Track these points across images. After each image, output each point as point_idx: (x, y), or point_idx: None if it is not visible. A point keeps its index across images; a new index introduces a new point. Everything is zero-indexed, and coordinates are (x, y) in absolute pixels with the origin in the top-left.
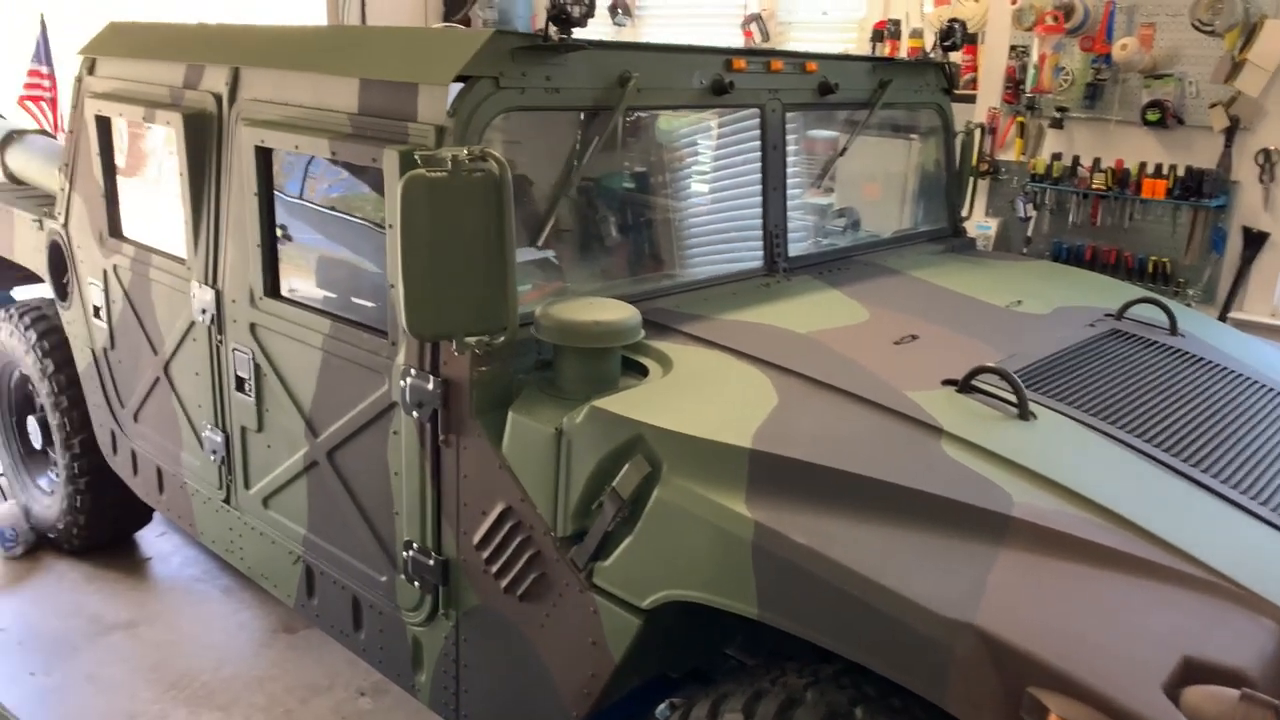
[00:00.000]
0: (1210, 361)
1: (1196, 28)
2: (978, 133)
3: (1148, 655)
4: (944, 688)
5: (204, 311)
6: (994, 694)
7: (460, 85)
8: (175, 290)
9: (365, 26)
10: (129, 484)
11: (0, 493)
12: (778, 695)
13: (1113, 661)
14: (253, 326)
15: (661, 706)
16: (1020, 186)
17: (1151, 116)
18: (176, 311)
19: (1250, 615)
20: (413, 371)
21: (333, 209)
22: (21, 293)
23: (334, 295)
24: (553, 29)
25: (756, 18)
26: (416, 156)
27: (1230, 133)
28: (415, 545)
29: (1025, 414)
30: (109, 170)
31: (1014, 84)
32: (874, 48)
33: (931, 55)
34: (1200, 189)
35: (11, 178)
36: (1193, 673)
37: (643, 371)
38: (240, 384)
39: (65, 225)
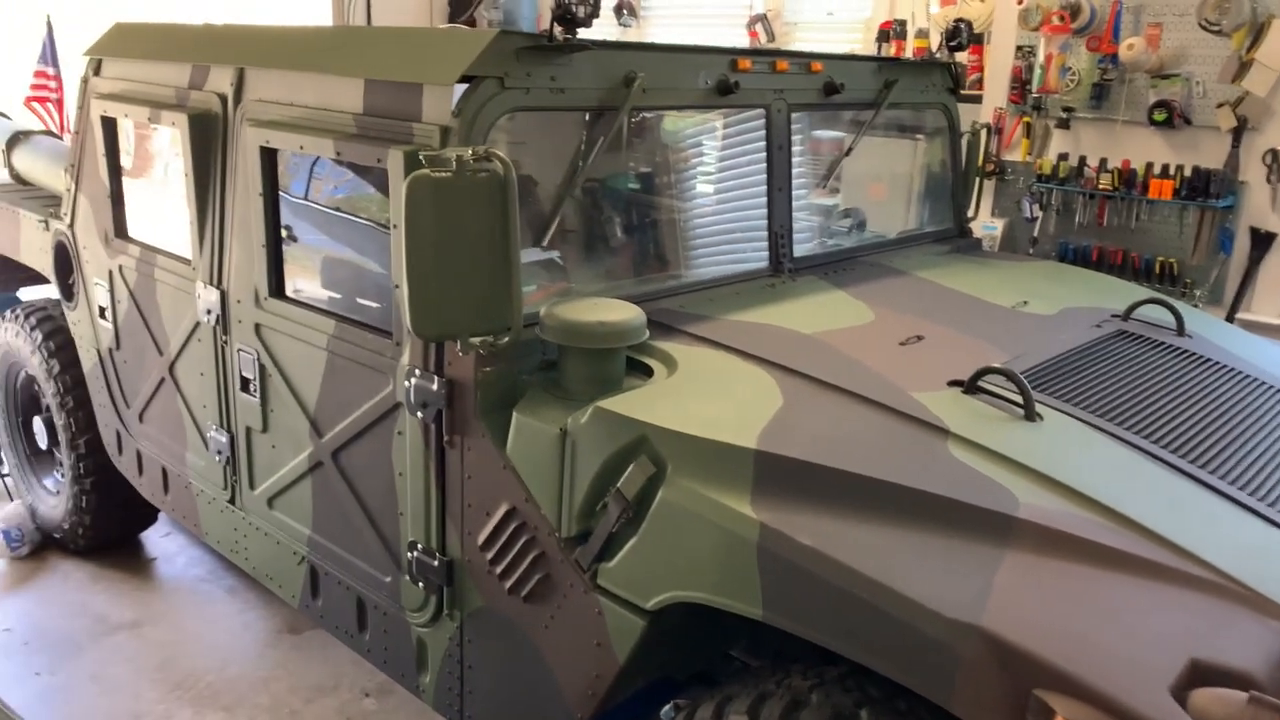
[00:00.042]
0: (1217, 362)
1: (1204, 27)
2: (984, 133)
3: (1154, 657)
4: (949, 690)
5: (209, 312)
6: (1000, 696)
7: (465, 85)
8: (180, 291)
9: (370, 27)
10: (134, 484)
11: (6, 493)
12: (782, 697)
13: (1119, 664)
14: (258, 327)
15: (666, 708)
16: (1026, 187)
17: (1158, 116)
18: (182, 312)
19: (1258, 617)
20: (417, 372)
21: (337, 209)
22: (27, 293)
23: (339, 296)
24: (558, 29)
25: (762, 18)
26: (421, 157)
27: (1238, 133)
28: (420, 546)
29: (1031, 415)
30: (114, 171)
31: (1020, 84)
32: (879, 48)
33: (937, 55)
34: (1207, 189)
35: (18, 178)
36: (1200, 675)
37: (647, 372)
38: (245, 384)
39: (71, 226)
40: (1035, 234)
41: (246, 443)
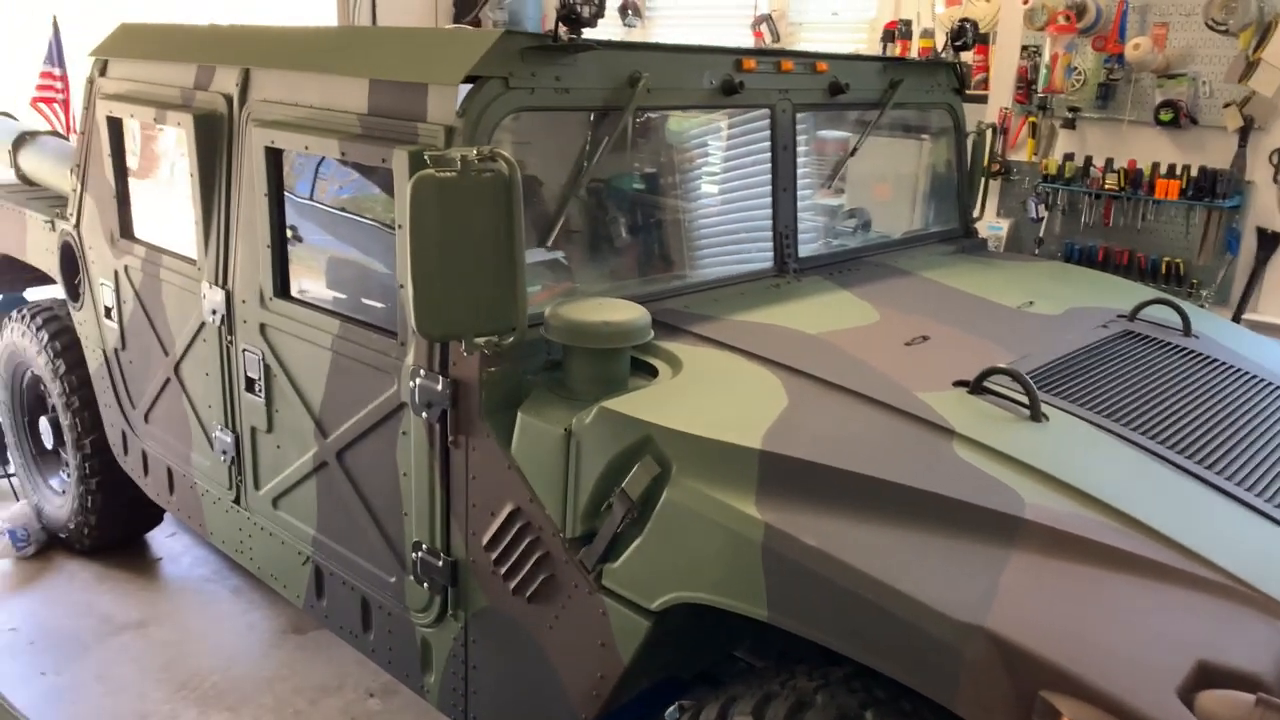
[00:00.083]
0: (1224, 363)
1: (1210, 27)
2: (989, 133)
3: (1161, 659)
4: (955, 691)
5: (214, 312)
6: (1006, 698)
7: (470, 85)
8: (186, 291)
9: (375, 27)
10: (140, 484)
11: (12, 493)
12: (787, 698)
13: (1126, 665)
14: (263, 327)
15: (670, 709)
16: (1032, 187)
17: (1165, 116)
18: (187, 312)
19: (1265, 619)
20: (422, 372)
21: (342, 210)
22: (34, 294)
23: (343, 296)
24: (562, 29)
25: (767, 18)
26: (426, 157)
27: (1244, 133)
28: (424, 546)
29: (1037, 415)
30: (120, 171)
31: (1026, 84)
32: (885, 48)
33: (943, 55)
34: (1214, 189)
35: (24, 179)
36: (1207, 677)
37: (652, 372)
38: (250, 384)
39: (77, 226)
40: (1041, 234)
41: (251, 443)
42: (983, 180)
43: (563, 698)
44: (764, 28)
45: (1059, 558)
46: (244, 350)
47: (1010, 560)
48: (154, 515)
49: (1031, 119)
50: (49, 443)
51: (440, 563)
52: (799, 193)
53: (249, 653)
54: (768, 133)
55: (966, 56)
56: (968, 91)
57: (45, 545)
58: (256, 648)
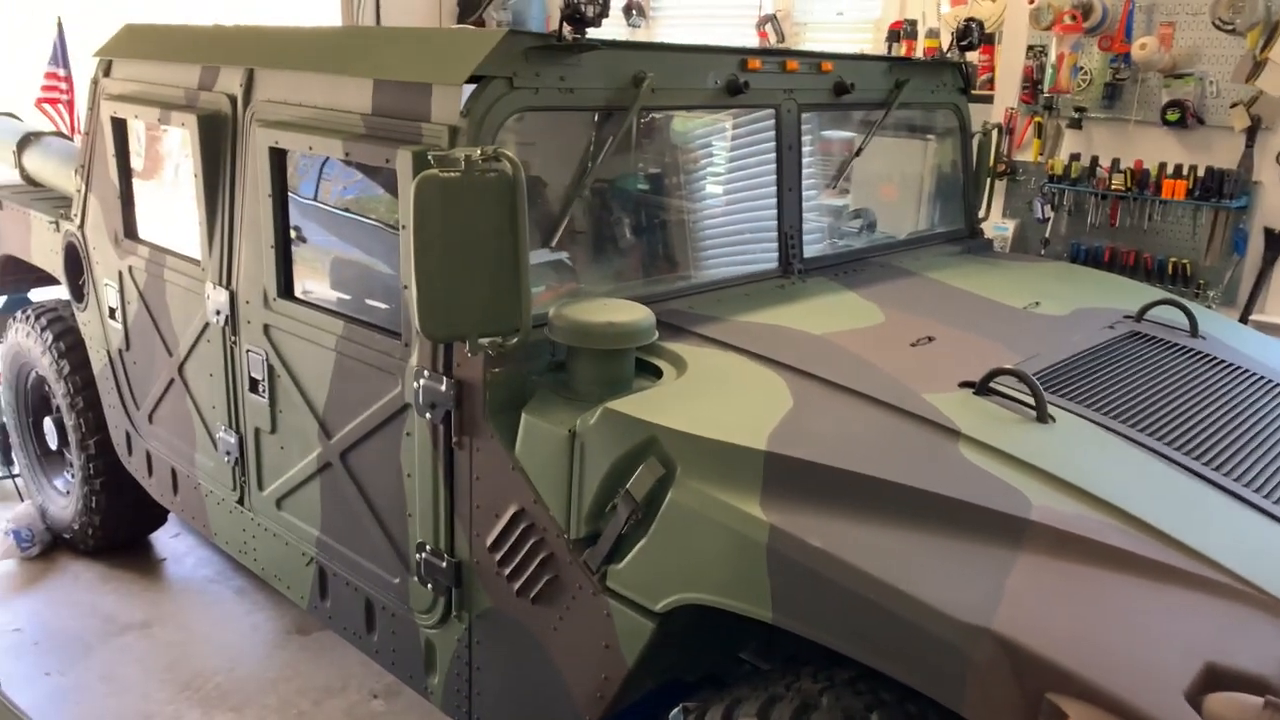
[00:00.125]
0: (1231, 364)
1: (1217, 26)
2: (995, 133)
3: (1169, 661)
4: (961, 693)
5: (218, 313)
6: (1012, 700)
7: (474, 85)
8: (190, 291)
9: (379, 27)
10: (144, 485)
11: (17, 493)
12: (793, 700)
13: (1133, 667)
14: (266, 328)
15: (675, 711)
16: (1038, 187)
17: (1171, 116)
18: (191, 313)
19: (1273, 621)
20: (426, 373)
21: (346, 210)
22: (38, 294)
23: (347, 296)
24: (567, 29)
25: (771, 18)
26: (430, 157)
27: (1252, 133)
28: (428, 547)
29: (1043, 416)
30: (124, 172)
31: (1032, 84)
32: (890, 48)
33: (948, 55)
34: (1221, 190)
35: (28, 179)
36: (1215, 680)
37: (657, 373)
38: (254, 385)
39: (81, 227)
40: (1047, 235)
41: (255, 443)
42: (988, 180)
43: (567, 699)
44: (769, 28)
45: (1065, 559)
46: (248, 351)
47: (1016, 562)
48: (158, 516)
49: (1037, 119)
50: (53, 443)
51: (444, 564)
52: (804, 193)
53: (253, 654)
54: (773, 133)
55: (972, 56)
56: (973, 91)
57: (50, 546)
58: (260, 648)
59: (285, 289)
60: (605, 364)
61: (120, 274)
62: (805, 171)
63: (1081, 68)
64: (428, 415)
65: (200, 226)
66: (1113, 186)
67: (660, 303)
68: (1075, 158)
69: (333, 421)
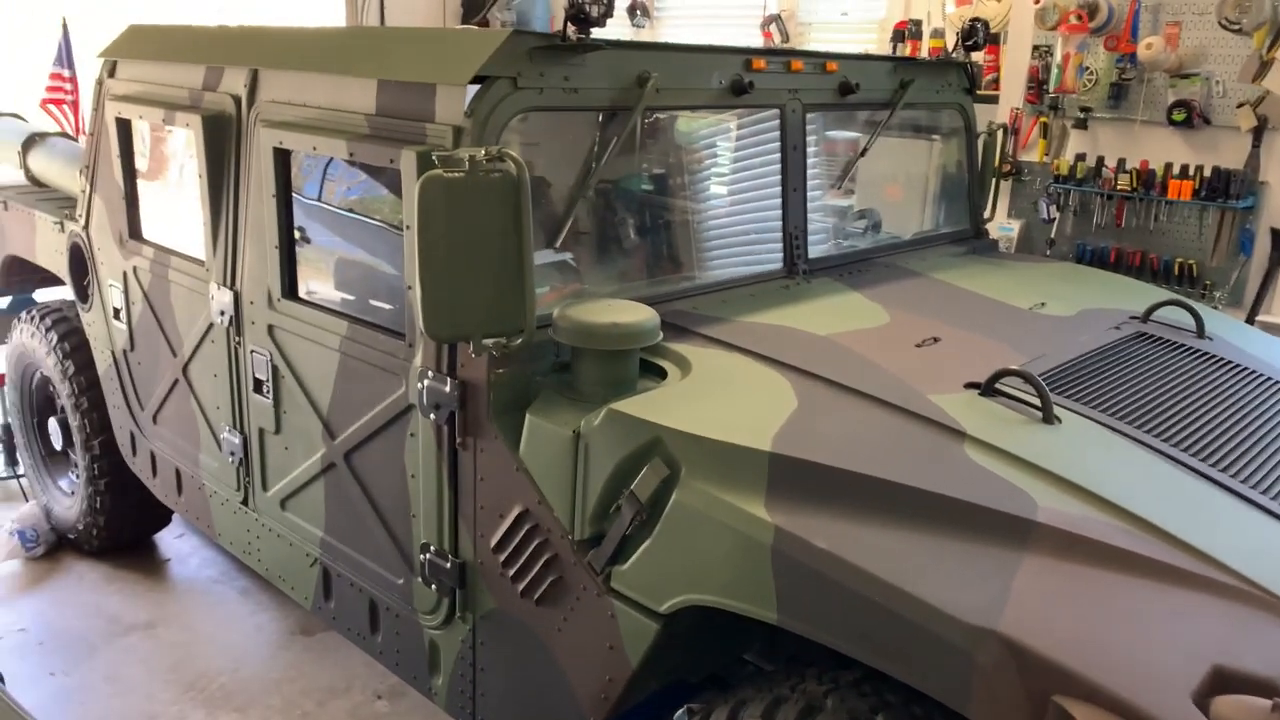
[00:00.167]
0: (1238, 365)
1: (1224, 26)
2: (1000, 133)
3: (1176, 664)
4: (967, 695)
5: (222, 313)
6: (1018, 702)
7: (478, 86)
8: (194, 292)
9: (383, 28)
10: (148, 485)
11: (21, 493)
12: (797, 702)
13: (1140, 670)
14: (270, 328)
15: (679, 712)
16: (1043, 188)
17: (1177, 116)
18: (195, 313)
19: None
20: (430, 373)
21: (350, 211)
22: (43, 295)
23: (351, 297)
24: (571, 29)
25: (776, 18)
26: (434, 157)
27: (1258, 133)
28: (432, 548)
29: (1049, 417)
30: (129, 172)
31: (1037, 84)
32: (895, 48)
33: (953, 55)
34: (1227, 190)
35: (33, 180)
36: (1222, 682)
37: (661, 374)
38: (258, 386)
39: (86, 227)
40: (1052, 235)
41: (259, 444)
42: (994, 181)
43: (571, 700)
44: (773, 28)
45: (1072, 561)
46: (252, 351)
47: (1023, 563)
48: (162, 516)
49: (1043, 119)
50: (58, 444)
51: (448, 564)
52: (809, 193)
53: (257, 654)
54: (777, 133)
55: (977, 56)
56: (978, 92)
57: (54, 546)
58: (264, 649)
59: (289, 289)
60: (609, 365)
61: (125, 274)
62: (810, 172)
63: (1087, 68)
64: (432, 416)
65: (204, 227)
66: (1118, 187)
67: (664, 303)
68: (1081, 158)
69: (337, 422)
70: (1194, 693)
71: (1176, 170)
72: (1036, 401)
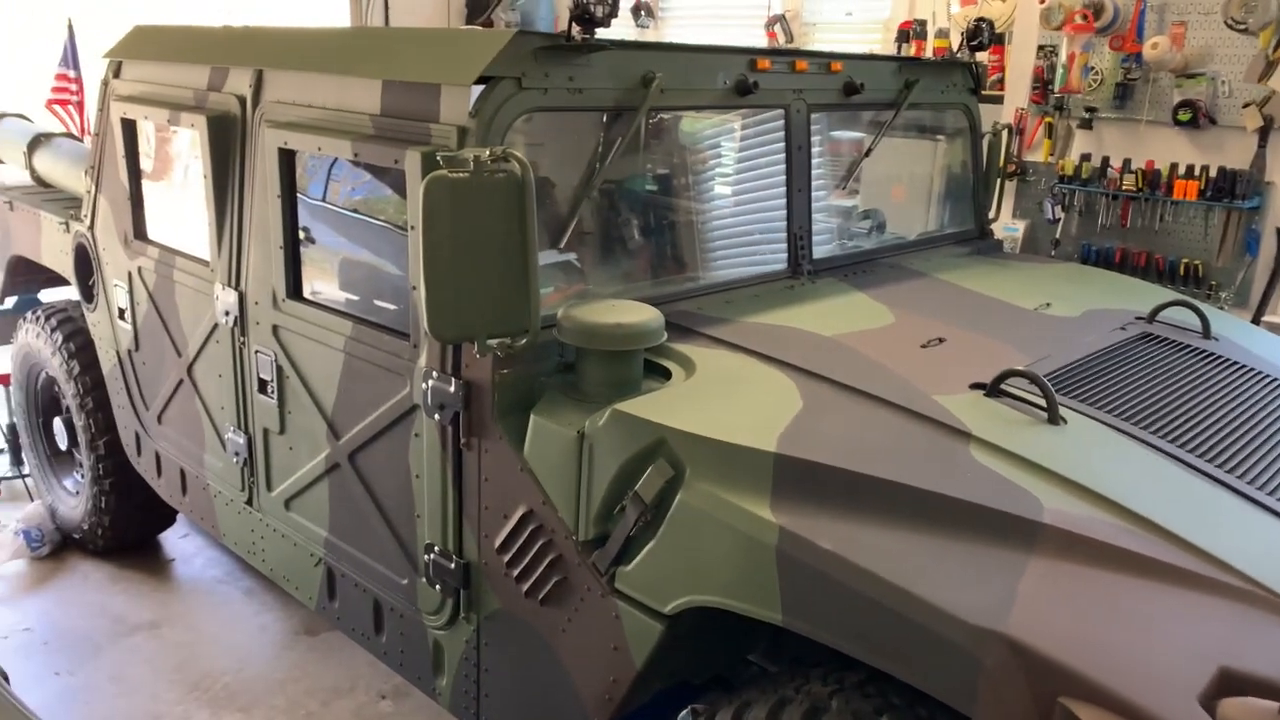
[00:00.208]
0: (1244, 365)
1: (1229, 26)
2: (1005, 133)
3: (1183, 666)
4: (973, 697)
5: (227, 313)
6: (1024, 704)
7: (483, 86)
8: (199, 292)
9: (388, 28)
10: (153, 485)
11: (26, 493)
12: (802, 703)
13: (1147, 672)
14: (275, 328)
15: (684, 713)
16: (1048, 188)
17: (1183, 116)
18: (200, 313)
19: None
20: (434, 374)
21: (355, 211)
22: (48, 295)
23: (356, 297)
24: (575, 29)
25: (780, 19)
26: (439, 157)
27: (1264, 133)
28: (436, 548)
29: (1055, 418)
30: (134, 173)
31: (1042, 84)
32: (899, 48)
33: (958, 55)
34: (1233, 190)
35: (39, 180)
36: (1229, 684)
37: (665, 374)
38: (263, 386)
39: (91, 228)
40: (1057, 235)
41: (264, 444)
42: (998, 181)
43: (575, 701)
44: (777, 28)
45: (1078, 562)
46: (256, 352)
47: (1028, 565)
48: (167, 516)
49: (1048, 119)
50: (63, 444)
51: (452, 565)
52: (813, 194)
53: (261, 654)
54: (782, 133)
55: (982, 56)
56: (983, 92)
57: (59, 546)
58: (269, 649)
59: (294, 290)
60: (614, 365)
61: (130, 275)
62: (815, 172)
63: (1092, 68)
64: (436, 416)
65: (209, 227)
66: (1124, 187)
67: (669, 304)
68: (1086, 158)
69: (341, 422)
70: (1200, 695)
71: (1182, 170)
72: (1042, 402)
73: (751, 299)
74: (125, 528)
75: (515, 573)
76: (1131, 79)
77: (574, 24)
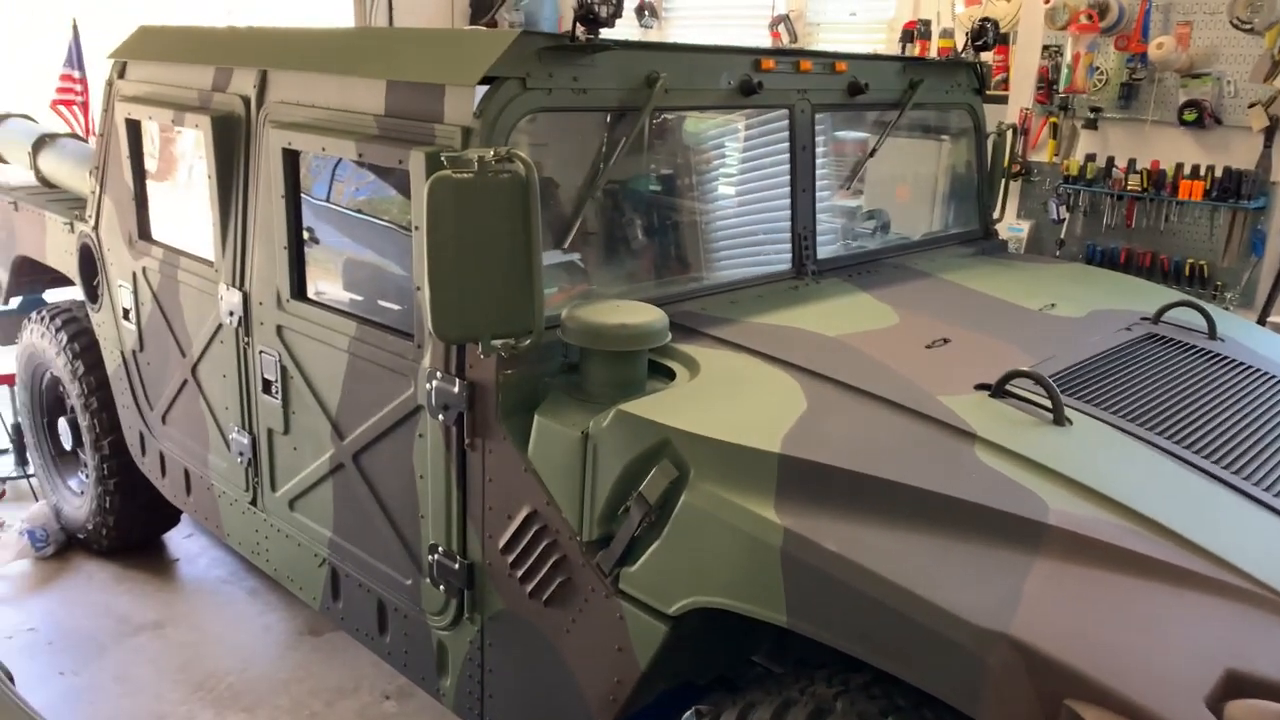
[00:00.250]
0: (1250, 366)
1: (1235, 26)
2: (1009, 133)
3: (1189, 668)
4: (978, 699)
5: (231, 314)
6: (1030, 706)
7: (487, 86)
8: (203, 293)
9: (392, 28)
10: (157, 485)
11: (31, 493)
12: (806, 704)
13: (1153, 674)
14: (279, 329)
15: (688, 714)
16: (1053, 188)
17: (1188, 116)
18: (204, 314)
19: None
20: (438, 374)
21: (359, 211)
22: (53, 295)
23: (360, 298)
24: (580, 29)
25: (784, 19)
26: (443, 158)
27: (1270, 133)
28: (440, 549)
29: (1060, 419)
30: (139, 173)
31: (1047, 84)
32: (904, 48)
33: (963, 55)
34: (1239, 190)
35: (43, 181)
36: (1236, 686)
37: (670, 375)
38: (267, 386)
39: (95, 228)
40: (1062, 236)
41: (268, 444)
42: (1003, 181)
43: (579, 702)
44: (781, 28)
45: (1084, 564)
46: (261, 352)
47: (1034, 566)
48: (171, 516)
49: (1053, 119)
50: (68, 444)
51: (456, 565)
52: (818, 194)
53: (265, 654)
54: (786, 133)
55: (987, 56)
56: (988, 92)
57: (64, 546)
58: (273, 649)
59: (298, 290)
60: (618, 366)
61: (134, 275)
62: (819, 172)
63: (1097, 67)
64: (440, 417)
65: (214, 228)
66: (1129, 187)
67: (673, 304)
68: (1091, 158)
69: (345, 423)
70: (1207, 697)
71: (1187, 171)
72: (1047, 403)
73: (755, 299)
74: (130, 528)
75: (519, 573)
76: (1136, 79)
77: (578, 24)
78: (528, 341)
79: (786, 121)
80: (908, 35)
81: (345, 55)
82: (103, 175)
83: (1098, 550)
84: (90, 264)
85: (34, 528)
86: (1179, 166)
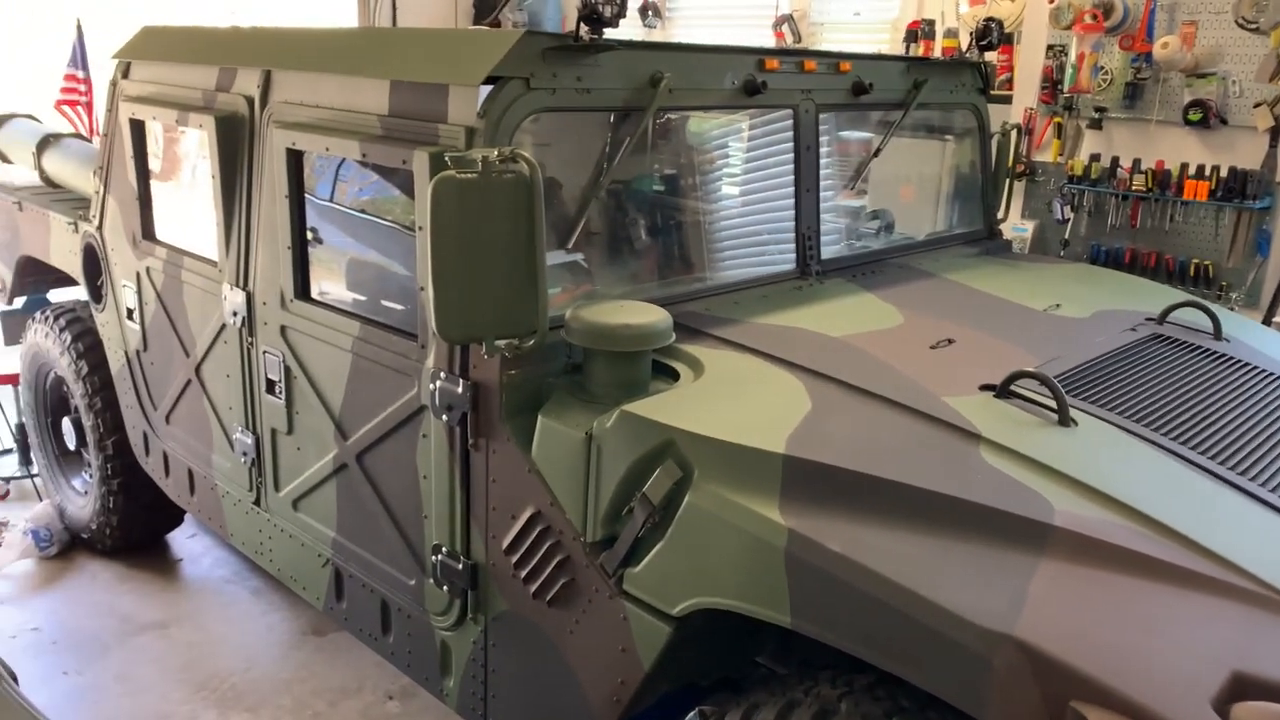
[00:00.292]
0: (1256, 366)
1: (1240, 25)
2: (1014, 133)
3: (1195, 670)
4: (983, 701)
5: (235, 314)
6: (1035, 708)
7: (491, 86)
8: (207, 292)
9: (395, 28)
10: (161, 485)
11: (35, 493)
12: (811, 706)
13: (1159, 675)
14: (283, 329)
15: (691, 715)
16: (1057, 188)
17: (1193, 116)
18: (208, 314)
19: None
20: (442, 375)
21: (363, 211)
22: (57, 295)
23: (364, 298)
24: (584, 29)
25: (788, 18)
26: (447, 158)
27: (1275, 133)
28: (444, 549)
29: (1065, 420)
30: (142, 173)
31: (1051, 84)
32: (908, 48)
33: (967, 55)
34: (1244, 190)
35: (47, 181)
36: (1242, 688)
37: (673, 375)
38: (271, 386)
39: (99, 228)
40: (1066, 236)
41: (272, 444)
42: (1007, 181)
43: (582, 702)
44: (785, 28)
45: (1089, 565)
46: (264, 352)
47: (1039, 567)
48: (175, 516)
49: (1057, 119)
50: (71, 443)
51: (460, 566)
52: (822, 194)
53: (268, 654)
54: (790, 133)
55: (991, 56)
56: (992, 92)
57: (67, 545)
58: (276, 649)
59: (302, 290)
60: (622, 366)
61: (138, 275)
62: (823, 172)
63: (1102, 67)
64: (444, 417)
65: (217, 228)
66: (1133, 187)
67: (677, 305)
68: (1095, 158)
69: (349, 423)
70: (1213, 699)
71: (1192, 170)
72: (1052, 404)
73: (759, 300)
74: (133, 527)
75: (523, 574)
76: (1141, 79)
77: (582, 24)
78: (531, 342)
79: (790, 121)
80: (912, 35)
81: (349, 55)
82: (107, 175)
83: (1103, 551)
84: (94, 264)
85: (38, 527)
86: (1184, 166)
